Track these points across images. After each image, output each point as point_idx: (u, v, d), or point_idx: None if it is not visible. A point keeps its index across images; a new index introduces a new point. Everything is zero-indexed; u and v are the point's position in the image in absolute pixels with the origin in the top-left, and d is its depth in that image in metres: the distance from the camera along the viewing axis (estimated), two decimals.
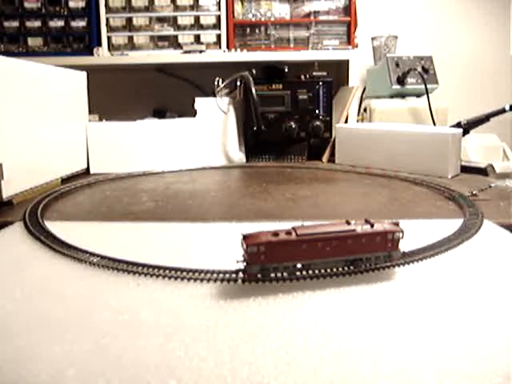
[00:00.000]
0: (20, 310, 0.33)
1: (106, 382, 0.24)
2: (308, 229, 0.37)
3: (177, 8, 1.15)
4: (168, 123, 0.98)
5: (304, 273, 0.37)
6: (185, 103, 1.03)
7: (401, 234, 0.38)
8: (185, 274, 0.38)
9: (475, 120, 0.95)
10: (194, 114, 0.98)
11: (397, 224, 0.39)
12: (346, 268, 0.38)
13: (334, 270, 0.38)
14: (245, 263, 0.36)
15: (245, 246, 0.35)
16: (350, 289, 0.36)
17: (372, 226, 0.37)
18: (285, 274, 0.37)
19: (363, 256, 0.38)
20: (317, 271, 0.37)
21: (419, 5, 1.46)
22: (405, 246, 0.43)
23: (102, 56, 1.14)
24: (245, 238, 0.35)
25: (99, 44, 1.14)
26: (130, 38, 1.16)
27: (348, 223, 0.37)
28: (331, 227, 0.37)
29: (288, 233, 0.36)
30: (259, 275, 0.36)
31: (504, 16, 1.44)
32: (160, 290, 0.36)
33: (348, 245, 0.37)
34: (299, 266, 0.37)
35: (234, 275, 0.37)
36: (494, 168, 0.82)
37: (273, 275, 0.37)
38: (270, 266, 0.36)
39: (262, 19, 1.17)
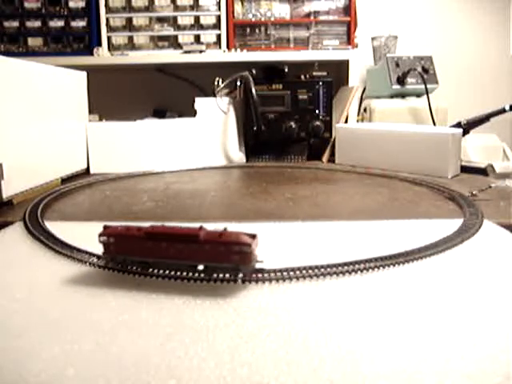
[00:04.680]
0: (20, 309, 0.33)
1: (106, 382, 0.24)
2: (161, 228, 0.37)
3: (177, 8, 1.15)
4: (168, 123, 0.98)
5: (304, 272, 0.37)
6: (185, 103, 1.03)
7: (248, 249, 0.35)
8: (184, 274, 0.38)
9: (475, 120, 0.95)
10: (194, 114, 0.98)
11: (253, 236, 0.36)
12: (195, 274, 0.37)
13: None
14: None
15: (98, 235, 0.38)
16: (349, 289, 0.36)
17: (221, 235, 0.36)
18: (146, 268, 0.38)
19: (208, 264, 0.37)
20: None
21: (419, 5, 1.46)
22: (405, 245, 0.43)
23: (102, 56, 1.14)
24: (104, 228, 0.38)
25: (99, 44, 1.14)
26: (130, 38, 1.16)
27: (200, 228, 0.36)
28: (180, 230, 0.36)
29: (140, 229, 0.37)
30: (110, 265, 0.39)
31: (504, 16, 1.44)
32: (160, 290, 0.36)
33: (192, 250, 0.36)
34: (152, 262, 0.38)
35: (233, 275, 0.37)
36: (493, 168, 0.82)
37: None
38: (119, 258, 0.38)
39: (262, 19, 1.17)
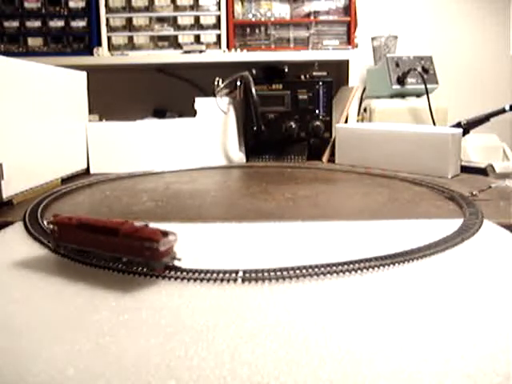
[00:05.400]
0: (20, 310, 0.33)
1: (106, 382, 0.24)
2: (89, 220, 0.40)
3: (177, 8, 1.15)
4: (168, 123, 0.98)
5: (304, 271, 0.37)
6: (185, 103, 1.03)
7: (155, 245, 0.36)
8: (185, 274, 0.38)
9: (475, 120, 0.95)
10: (194, 114, 0.98)
11: (165, 234, 0.37)
12: (119, 265, 0.39)
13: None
14: None
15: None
16: (349, 289, 0.36)
17: (137, 230, 0.37)
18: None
19: (125, 257, 0.38)
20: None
21: (419, 5, 1.46)
22: (405, 245, 0.43)
23: (102, 56, 1.14)
24: (53, 216, 0.42)
25: (99, 44, 1.14)
26: (130, 38, 1.16)
27: (124, 223, 0.38)
28: (104, 223, 0.39)
29: (77, 220, 0.41)
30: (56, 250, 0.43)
31: (504, 16, 1.44)
32: (160, 290, 0.36)
33: (113, 242, 0.38)
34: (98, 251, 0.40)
35: (233, 275, 0.37)
36: (493, 168, 0.82)
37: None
38: (61, 244, 0.42)
39: (262, 19, 1.17)
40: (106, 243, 0.39)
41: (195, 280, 0.37)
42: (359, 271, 0.38)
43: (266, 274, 0.37)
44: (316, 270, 0.38)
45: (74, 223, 0.40)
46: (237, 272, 0.37)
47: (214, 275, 0.37)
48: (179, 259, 0.38)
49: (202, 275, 0.37)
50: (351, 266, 0.38)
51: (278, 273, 0.37)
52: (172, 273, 0.38)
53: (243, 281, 0.37)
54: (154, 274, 0.38)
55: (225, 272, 0.37)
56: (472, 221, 0.51)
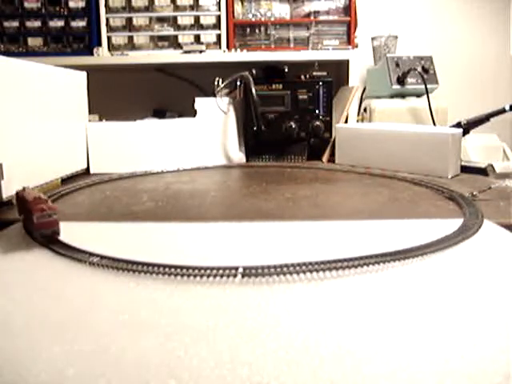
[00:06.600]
0: (20, 310, 0.33)
1: (106, 381, 0.24)
2: (25, 194, 0.48)
3: (177, 8, 1.15)
4: (168, 123, 0.98)
5: (304, 268, 0.37)
6: (185, 103, 1.03)
7: (32, 216, 0.44)
8: (184, 271, 0.38)
9: (475, 120, 0.95)
10: (194, 114, 0.98)
11: (43, 210, 0.45)
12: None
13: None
14: None
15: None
16: (349, 288, 0.36)
17: (33, 204, 0.45)
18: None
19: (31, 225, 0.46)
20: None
21: (419, 5, 1.46)
22: (405, 244, 0.43)
23: (102, 56, 1.14)
24: (23, 188, 0.51)
25: (99, 44, 1.14)
26: (130, 38, 1.16)
27: (36, 198, 0.45)
28: (26, 197, 0.46)
29: (22, 194, 0.49)
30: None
31: (504, 16, 1.44)
32: (160, 290, 0.36)
33: (30, 213, 0.45)
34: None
35: (233, 271, 0.37)
36: (494, 168, 0.82)
37: None
38: (21, 215, 0.50)
39: (262, 19, 1.17)
40: (28, 213, 0.46)
41: (195, 276, 0.37)
42: (359, 268, 0.38)
43: (265, 271, 0.37)
44: (316, 266, 0.38)
45: (19, 196, 0.49)
46: (237, 268, 0.37)
47: (214, 271, 0.37)
48: (58, 234, 0.46)
49: (202, 271, 0.37)
50: (351, 262, 0.38)
51: (278, 269, 0.37)
52: (172, 270, 0.38)
53: (243, 276, 0.37)
54: (160, 272, 0.39)
55: (225, 269, 0.37)
56: (472, 221, 0.51)
